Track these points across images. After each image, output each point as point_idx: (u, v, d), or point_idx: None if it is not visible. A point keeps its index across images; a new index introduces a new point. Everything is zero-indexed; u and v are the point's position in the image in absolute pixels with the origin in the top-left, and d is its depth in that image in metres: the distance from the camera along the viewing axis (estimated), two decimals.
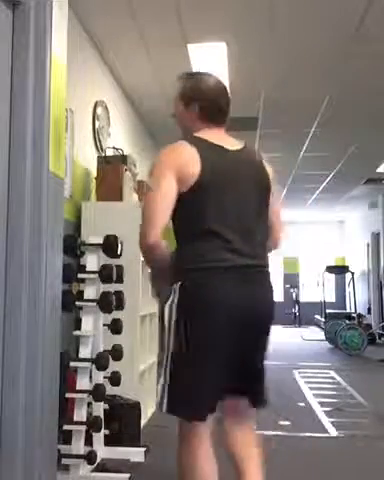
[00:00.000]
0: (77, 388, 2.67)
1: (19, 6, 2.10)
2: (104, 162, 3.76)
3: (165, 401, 1.77)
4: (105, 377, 2.88)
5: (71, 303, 2.75)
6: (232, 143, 1.93)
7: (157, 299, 2.19)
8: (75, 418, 2.65)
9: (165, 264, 1.84)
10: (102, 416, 2.83)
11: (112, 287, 2.90)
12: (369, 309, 10.82)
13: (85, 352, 2.72)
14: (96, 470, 2.74)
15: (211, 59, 4.18)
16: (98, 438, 2.86)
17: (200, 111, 1.93)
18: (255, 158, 1.96)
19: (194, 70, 4.35)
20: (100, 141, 4.11)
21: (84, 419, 2.66)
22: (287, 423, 3.79)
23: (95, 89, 4.10)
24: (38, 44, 2.10)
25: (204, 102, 1.93)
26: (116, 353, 2.89)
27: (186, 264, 1.79)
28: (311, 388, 5.15)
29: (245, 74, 4.49)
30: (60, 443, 2.48)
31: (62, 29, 2.29)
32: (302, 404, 4.47)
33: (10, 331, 2.01)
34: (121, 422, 3.08)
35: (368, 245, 11.14)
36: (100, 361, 2.71)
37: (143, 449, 3.00)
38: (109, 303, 2.78)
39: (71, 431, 2.64)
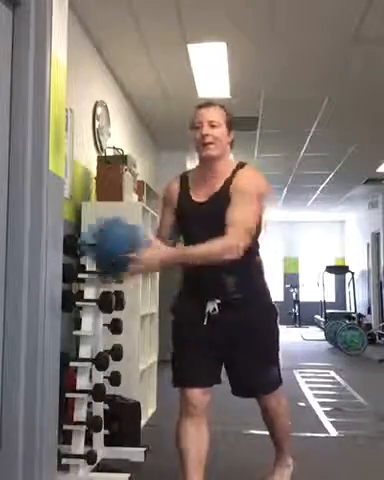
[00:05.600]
0: (77, 388, 2.67)
1: (19, 6, 2.10)
2: (104, 162, 3.76)
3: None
4: (105, 377, 2.88)
5: (71, 303, 2.75)
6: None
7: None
8: (75, 418, 2.65)
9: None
10: (102, 416, 2.83)
11: (112, 287, 2.90)
12: (369, 309, 10.82)
13: (85, 352, 2.72)
14: (96, 470, 2.74)
15: (211, 59, 4.18)
16: (98, 438, 2.86)
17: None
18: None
19: (194, 71, 4.36)
20: (100, 141, 4.11)
21: (84, 419, 2.66)
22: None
23: (95, 89, 4.10)
24: (38, 44, 2.10)
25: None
26: (116, 353, 2.89)
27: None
28: (311, 388, 5.15)
29: (245, 74, 4.49)
30: (60, 443, 2.48)
31: (62, 29, 2.29)
32: (302, 404, 4.47)
33: (10, 331, 2.01)
34: (121, 422, 3.08)
35: (368, 245, 11.14)
36: (100, 361, 2.71)
37: (143, 449, 3.00)
38: (109, 303, 2.78)
39: (71, 431, 2.64)
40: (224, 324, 2.19)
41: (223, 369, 2.31)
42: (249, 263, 2.26)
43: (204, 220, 2.18)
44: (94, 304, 2.77)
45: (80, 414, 2.65)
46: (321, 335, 9.68)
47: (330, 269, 10.41)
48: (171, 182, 2.38)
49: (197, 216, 2.23)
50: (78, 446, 2.63)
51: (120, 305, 2.91)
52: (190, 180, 2.32)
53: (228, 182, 2.20)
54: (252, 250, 2.26)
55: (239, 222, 2.07)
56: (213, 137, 2.18)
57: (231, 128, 2.25)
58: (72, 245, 2.80)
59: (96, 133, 4.04)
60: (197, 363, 2.21)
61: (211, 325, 2.19)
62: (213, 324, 2.19)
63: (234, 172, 2.23)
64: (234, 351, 2.24)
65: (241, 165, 2.26)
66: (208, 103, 2.25)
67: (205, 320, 2.19)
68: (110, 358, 2.79)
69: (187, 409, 2.19)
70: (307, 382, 5.45)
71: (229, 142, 2.26)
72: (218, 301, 2.19)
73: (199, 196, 2.26)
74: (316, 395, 4.83)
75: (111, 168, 3.68)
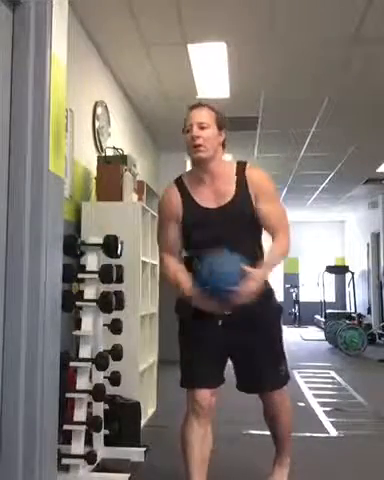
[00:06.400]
0: (77, 388, 2.67)
1: (19, 6, 2.10)
2: (104, 162, 3.76)
3: None
4: (105, 377, 2.88)
5: (71, 303, 2.76)
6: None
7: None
8: (75, 418, 2.65)
9: None
10: (102, 416, 2.83)
11: (112, 287, 2.91)
12: (369, 309, 10.82)
13: (85, 352, 2.72)
14: (96, 470, 2.74)
15: (211, 59, 4.18)
16: (98, 438, 2.86)
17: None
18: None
19: (194, 71, 4.36)
20: (100, 141, 4.11)
21: (84, 419, 2.66)
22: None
23: (95, 89, 4.10)
24: (38, 44, 2.10)
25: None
26: (116, 353, 2.89)
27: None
28: (311, 388, 5.15)
29: (245, 74, 4.49)
30: (60, 443, 2.48)
31: (62, 29, 2.29)
32: (302, 404, 4.46)
33: (10, 331, 2.01)
34: (121, 422, 3.08)
35: (368, 245, 11.14)
36: (100, 361, 2.71)
37: (143, 449, 3.00)
38: (109, 303, 2.78)
39: (71, 431, 2.64)
40: (235, 324, 2.19)
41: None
42: (259, 263, 2.27)
43: (223, 225, 2.18)
44: (94, 304, 2.77)
45: (80, 414, 2.65)
46: (321, 335, 9.68)
47: (330, 269, 10.41)
48: (169, 193, 2.30)
49: (214, 221, 2.19)
50: (78, 446, 2.63)
51: (120, 305, 2.92)
52: (188, 186, 2.28)
53: (242, 184, 2.21)
54: (262, 250, 2.31)
55: (282, 221, 2.27)
56: (203, 139, 2.17)
57: (222, 128, 2.23)
58: (72, 245, 2.81)
59: (96, 133, 4.04)
60: (206, 363, 2.21)
61: (222, 325, 2.20)
62: (224, 324, 2.20)
63: (240, 173, 2.23)
64: (245, 350, 2.25)
65: (243, 164, 2.26)
66: (197, 104, 2.24)
67: (220, 321, 2.20)
68: (110, 358, 2.80)
69: (195, 409, 2.19)
70: (307, 382, 5.45)
71: (221, 142, 2.25)
72: None
73: (207, 201, 2.23)
74: (316, 395, 4.83)
75: (111, 168, 3.68)
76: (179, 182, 2.31)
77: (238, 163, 2.27)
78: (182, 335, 2.31)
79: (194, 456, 2.17)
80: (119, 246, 2.90)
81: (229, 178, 2.22)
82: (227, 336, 2.20)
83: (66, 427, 2.62)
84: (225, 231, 2.17)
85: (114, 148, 4.13)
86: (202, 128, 2.17)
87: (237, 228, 2.19)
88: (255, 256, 2.22)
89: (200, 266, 2.09)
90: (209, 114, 2.20)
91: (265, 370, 2.28)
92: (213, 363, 2.23)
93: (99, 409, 2.84)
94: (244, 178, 2.21)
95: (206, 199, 2.23)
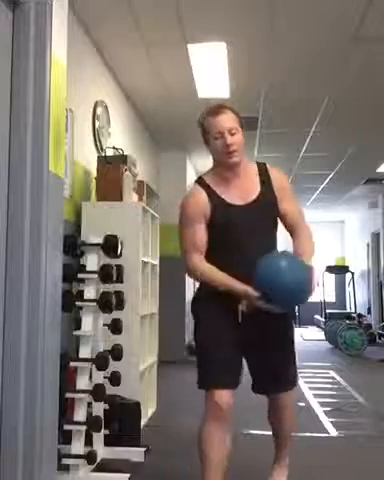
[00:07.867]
0: (77, 388, 2.67)
1: (19, 6, 2.10)
2: (104, 162, 3.76)
3: None
4: (105, 377, 2.88)
5: (71, 303, 2.76)
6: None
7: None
8: (75, 418, 2.65)
9: None
10: (102, 416, 2.83)
11: (112, 287, 2.91)
12: (369, 309, 10.82)
13: (85, 352, 2.72)
14: (96, 470, 2.74)
15: (211, 59, 4.18)
16: (98, 438, 2.86)
17: None
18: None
19: (194, 71, 4.36)
20: (100, 141, 4.11)
21: (84, 419, 2.66)
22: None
23: (95, 89, 4.10)
24: (38, 44, 2.10)
25: None
26: (116, 353, 2.89)
27: None
28: (311, 388, 5.15)
29: (245, 74, 4.49)
30: (60, 443, 2.48)
31: (62, 29, 2.29)
32: (302, 404, 4.46)
33: (10, 331, 2.01)
34: (121, 422, 3.08)
35: (368, 245, 11.14)
36: (100, 361, 2.71)
37: (143, 449, 3.00)
38: (109, 303, 2.79)
39: (71, 431, 2.64)
40: (256, 323, 2.19)
41: None
42: None
43: (251, 222, 2.22)
44: (94, 304, 2.77)
45: (80, 414, 2.65)
46: (321, 335, 9.69)
47: (330, 269, 10.41)
48: (195, 195, 2.27)
49: (244, 219, 2.22)
50: (78, 446, 2.63)
51: (120, 305, 2.92)
52: (213, 186, 2.27)
53: (267, 183, 2.29)
54: (276, 247, 2.38)
55: (302, 217, 2.40)
56: (236, 145, 2.20)
57: (243, 128, 2.27)
58: (72, 245, 2.81)
59: (96, 133, 4.04)
60: (228, 364, 2.19)
61: (243, 324, 2.21)
62: (245, 323, 2.21)
63: (263, 172, 2.31)
64: (264, 350, 2.26)
65: (263, 164, 2.35)
66: (220, 109, 2.22)
67: (240, 319, 2.20)
68: (110, 358, 2.80)
69: (215, 412, 2.14)
70: (307, 382, 5.45)
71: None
72: None
73: (234, 199, 2.25)
74: (316, 395, 4.83)
75: (111, 168, 3.68)
76: (203, 183, 2.29)
77: (258, 163, 2.35)
78: (200, 335, 2.28)
79: (212, 459, 2.13)
80: (119, 246, 2.90)
81: (253, 177, 2.29)
82: (247, 335, 2.20)
83: (66, 427, 2.62)
84: (251, 228, 2.22)
85: (114, 148, 4.12)
86: (232, 134, 2.19)
87: (261, 225, 2.26)
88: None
89: (261, 267, 2.08)
90: (234, 118, 2.22)
91: (282, 370, 2.31)
92: (234, 363, 2.21)
93: (99, 409, 2.84)
94: (268, 177, 2.30)
95: (233, 197, 2.26)
